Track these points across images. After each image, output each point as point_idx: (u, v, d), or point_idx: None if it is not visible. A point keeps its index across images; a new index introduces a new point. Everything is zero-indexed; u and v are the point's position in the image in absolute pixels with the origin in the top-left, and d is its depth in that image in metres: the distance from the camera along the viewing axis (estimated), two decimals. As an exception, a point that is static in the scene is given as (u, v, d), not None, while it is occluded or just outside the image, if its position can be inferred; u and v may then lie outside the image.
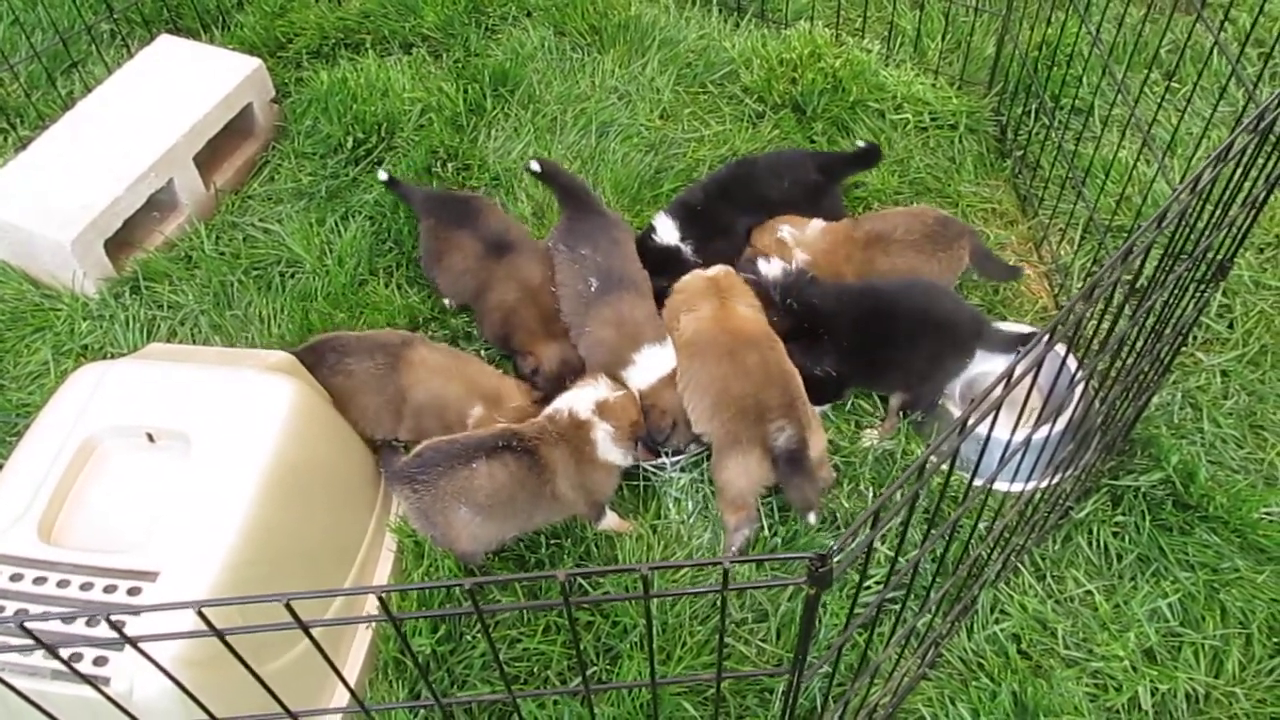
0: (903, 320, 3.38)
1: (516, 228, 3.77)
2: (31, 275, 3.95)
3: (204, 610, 1.39)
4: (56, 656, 1.44)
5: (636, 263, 3.60)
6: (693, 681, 2.90)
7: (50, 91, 4.67)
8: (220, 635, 1.43)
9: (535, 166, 3.81)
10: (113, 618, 1.40)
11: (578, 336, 3.48)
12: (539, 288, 3.58)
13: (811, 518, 3.14)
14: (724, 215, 3.77)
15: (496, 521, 3.04)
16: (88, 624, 2.37)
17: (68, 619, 2.28)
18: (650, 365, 3.35)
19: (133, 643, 1.43)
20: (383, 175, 3.95)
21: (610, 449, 3.12)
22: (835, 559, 1.44)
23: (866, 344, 3.39)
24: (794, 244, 3.64)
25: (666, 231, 3.73)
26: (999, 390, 1.66)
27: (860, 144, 4.03)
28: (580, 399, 3.16)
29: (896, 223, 3.68)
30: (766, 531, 3.26)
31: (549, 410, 3.18)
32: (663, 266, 3.67)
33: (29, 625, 1.34)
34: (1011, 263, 3.97)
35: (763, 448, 3.05)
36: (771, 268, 3.46)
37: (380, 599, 1.38)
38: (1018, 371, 1.69)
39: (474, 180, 4.19)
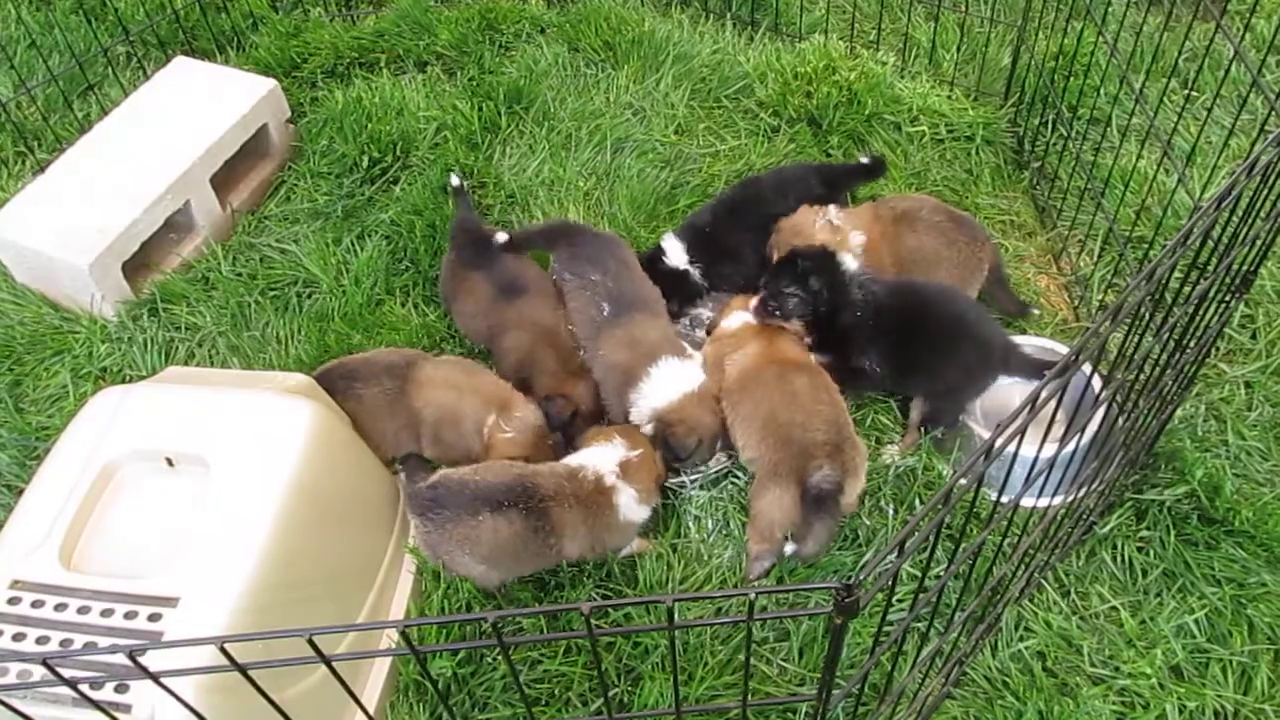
0: (938, 321, 3.38)
1: (533, 271, 3.72)
2: (50, 298, 3.97)
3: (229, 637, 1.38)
4: (79, 693, 1.44)
5: (646, 281, 3.58)
6: (717, 710, 2.88)
7: (67, 115, 4.70)
8: (242, 670, 1.42)
9: (502, 238, 3.74)
10: (134, 650, 1.39)
11: (591, 360, 3.45)
12: (553, 327, 3.55)
13: (789, 548, 3.12)
14: (733, 236, 3.75)
15: (500, 570, 3.02)
16: (111, 652, 2.36)
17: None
18: (669, 380, 3.31)
19: (155, 678, 1.42)
20: (454, 180, 3.96)
21: (635, 510, 3.08)
22: (861, 590, 1.42)
23: (904, 341, 3.38)
24: (847, 226, 3.62)
25: (675, 254, 3.72)
26: (1024, 415, 1.64)
27: (864, 158, 4.01)
28: (603, 460, 3.09)
29: (924, 203, 3.71)
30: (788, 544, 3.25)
31: (571, 465, 3.09)
32: (671, 290, 3.66)
33: (54, 664, 1.34)
34: (1031, 274, 3.96)
35: (801, 485, 3.02)
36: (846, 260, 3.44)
37: (403, 633, 1.37)
38: (1043, 395, 1.67)
39: (489, 198, 4.19)
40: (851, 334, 3.39)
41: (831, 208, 3.67)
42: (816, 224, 3.61)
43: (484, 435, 3.26)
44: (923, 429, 3.43)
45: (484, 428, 3.26)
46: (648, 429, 3.29)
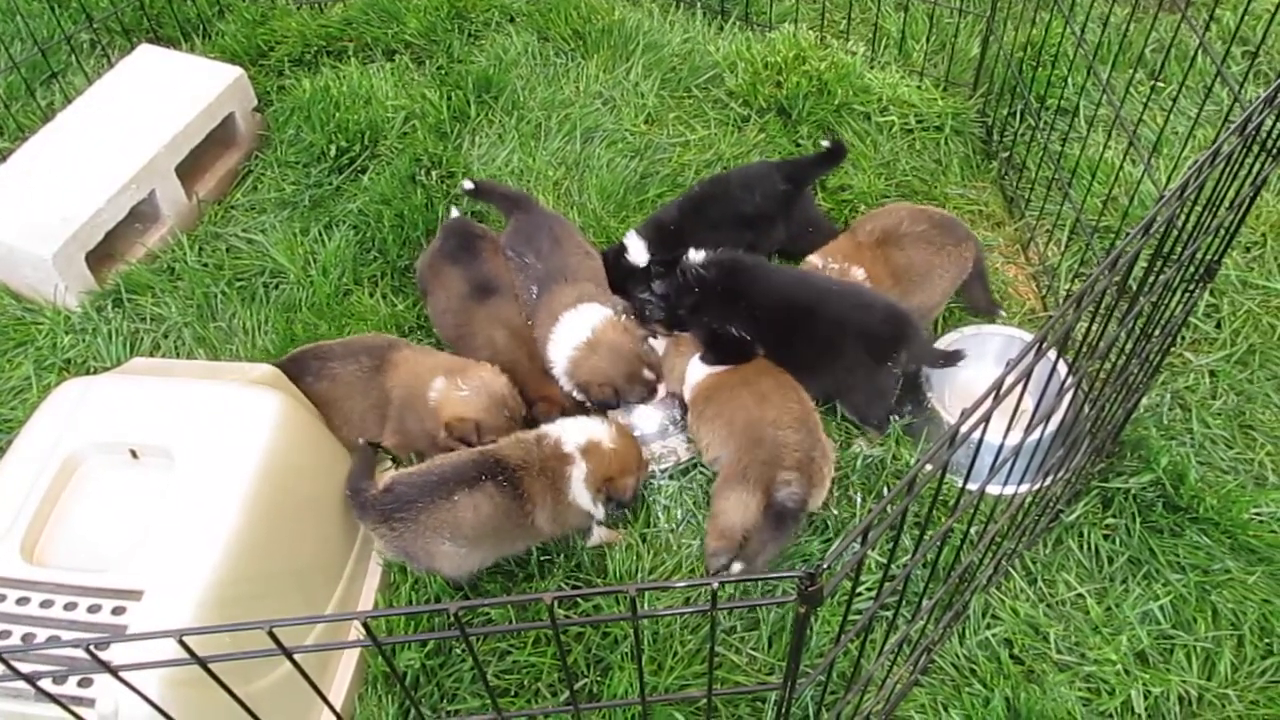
0: (820, 322, 3.35)
1: (509, 274, 3.64)
2: (13, 289, 3.92)
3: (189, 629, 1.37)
4: (38, 689, 1.42)
5: (576, 255, 3.57)
6: (684, 699, 2.88)
7: (29, 103, 4.63)
8: (203, 663, 1.40)
9: (468, 185, 3.78)
10: (95, 645, 1.37)
11: (536, 338, 3.46)
12: (523, 327, 3.50)
13: (735, 566, 3.10)
14: (696, 235, 3.66)
15: (482, 551, 2.99)
16: (71, 646, 2.34)
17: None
18: (565, 337, 3.31)
19: (114, 672, 1.41)
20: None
21: (580, 491, 3.03)
22: (825, 577, 1.43)
23: (785, 330, 3.36)
24: (849, 266, 3.55)
25: (637, 251, 3.68)
26: (989, 403, 1.65)
27: (825, 144, 3.98)
28: (573, 430, 3.08)
29: (901, 216, 3.65)
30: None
31: (541, 430, 3.10)
32: (631, 286, 3.66)
33: (13, 659, 1.32)
34: (1000, 264, 3.98)
35: (765, 493, 3.01)
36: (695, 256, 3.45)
37: (365, 625, 1.36)
38: (1007, 382, 1.68)
39: (457, 188, 4.16)
40: (702, 308, 3.39)
41: (814, 259, 3.61)
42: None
43: (434, 400, 3.19)
44: (886, 428, 3.44)
45: (433, 393, 3.20)
46: (574, 394, 3.33)
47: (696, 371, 3.39)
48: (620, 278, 3.65)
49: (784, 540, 3.04)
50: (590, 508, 3.08)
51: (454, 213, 3.91)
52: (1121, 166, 3.82)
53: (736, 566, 3.11)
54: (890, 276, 3.56)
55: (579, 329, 3.31)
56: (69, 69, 4.81)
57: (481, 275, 3.57)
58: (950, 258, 3.57)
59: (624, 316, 3.41)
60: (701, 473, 3.41)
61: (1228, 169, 2.29)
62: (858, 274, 3.51)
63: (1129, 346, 2.58)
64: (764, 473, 3.03)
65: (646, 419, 3.53)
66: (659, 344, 3.52)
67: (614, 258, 3.70)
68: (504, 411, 3.23)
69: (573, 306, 3.35)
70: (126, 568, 2.49)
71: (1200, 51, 4.31)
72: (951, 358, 3.38)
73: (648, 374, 3.36)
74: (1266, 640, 3.03)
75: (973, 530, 3.08)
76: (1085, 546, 3.22)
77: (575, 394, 3.35)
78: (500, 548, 3.06)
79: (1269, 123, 2.29)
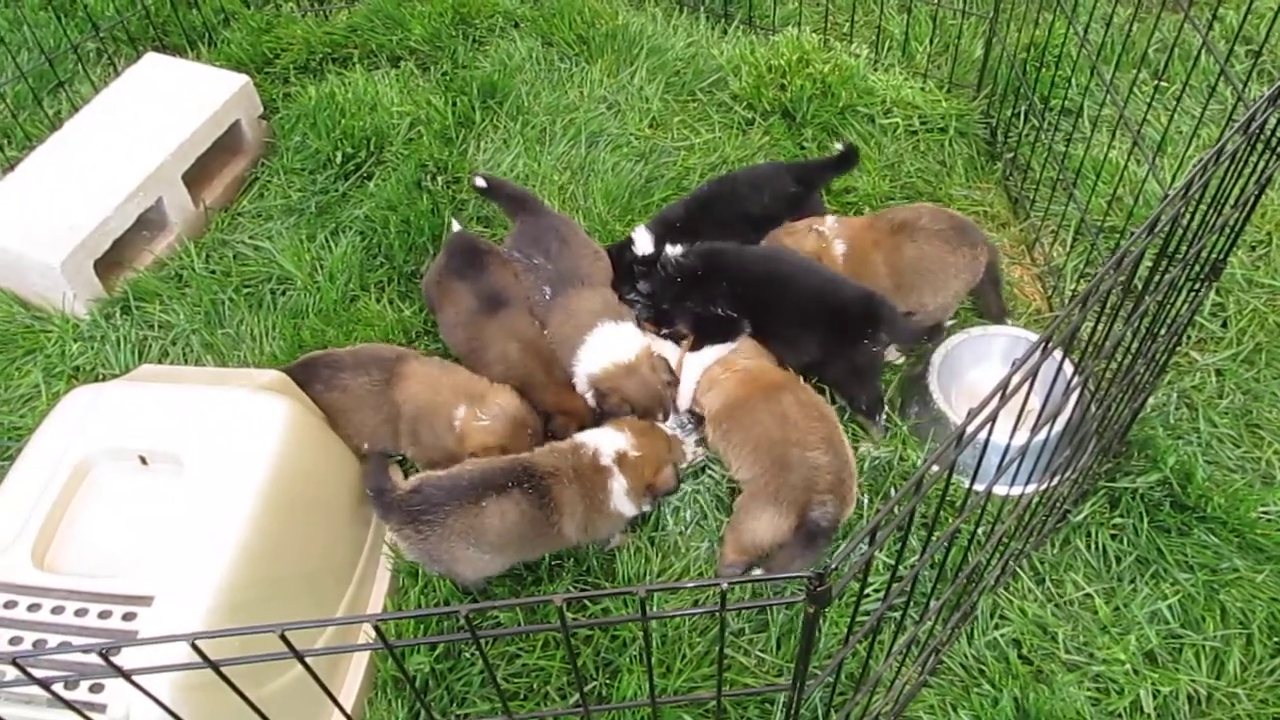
0: (793, 297, 3.43)
1: (518, 285, 3.64)
2: (21, 297, 3.93)
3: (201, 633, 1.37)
4: (51, 693, 1.43)
5: (588, 257, 3.61)
6: (694, 701, 2.88)
7: (37, 112, 4.65)
8: (215, 667, 1.41)
9: (480, 182, 3.81)
10: (107, 649, 1.38)
11: (549, 339, 3.49)
12: (536, 338, 3.50)
13: (756, 571, 3.15)
14: (705, 232, 3.71)
15: (505, 557, 3.00)
16: (83, 651, 2.35)
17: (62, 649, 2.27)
18: (601, 349, 3.34)
19: (127, 676, 1.42)
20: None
21: (622, 501, 3.04)
22: (833, 577, 1.43)
23: (762, 306, 3.45)
24: (832, 235, 3.60)
25: (644, 246, 3.71)
26: (995, 402, 1.65)
27: (838, 146, 3.99)
28: (606, 441, 3.08)
29: (921, 211, 3.67)
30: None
31: (575, 440, 3.10)
32: (637, 279, 3.69)
33: (26, 663, 1.33)
34: (1005, 265, 3.97)
35: (799, 516, 3.00)
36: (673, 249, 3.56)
37: (377, 628, 1.37)
38: (1014, 382, 1.68)
39: (463, 193, 4.18)
40: (684, 295, 3.48)
41: (830, 219, 3.66)
42: (809, 230, 3.62)
43: (457, 427, 3.21)
44: (878, 415, 3.47)
45: (455, 420, 3.21)
46: (589, 396, 3.36)
47: (693, 367, 3.42)
48: (626, 271, 3.68)
49: (813, 556, 3.04)
50: (632, 512, 3.11)
51: (455, 226, 3.92)
52: (1126, 166, 3.82)
53: (756, 571, 3.12)
54: (889, 267, 3.58)
55: (621, 349, 3.34)
56: (76, 78, 4.83)
57: (490, 289, 3.55)
58: (964, 259, 3.58)
59: (656, 354, 3.45)
60: (711, 475, 3.41)
61: (1232, 167, 2.29)
62: (839, 247, 3.57)
63: (1135, 346, 2.58)
64: (798, 496, 3.01)
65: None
66: (672, 353, 3.52)
67: (617, 253, 3.73)
68: (526, 432, 3.25)
69: (610, 319, 3.39)
70: (137, 573, 2.50)
71: (1203, 51, 4.32)
72: (934, 331, 3.43)
73: (659, 416, 3.40)
74: (1275, 639, 3.03)
75: (980, 531, 3.08)
76: (1093, 546, 3.22)
77: (588, 395, 3.37)
78: (523, 554, 3.06)
79: (1273, 121, 2.29)
